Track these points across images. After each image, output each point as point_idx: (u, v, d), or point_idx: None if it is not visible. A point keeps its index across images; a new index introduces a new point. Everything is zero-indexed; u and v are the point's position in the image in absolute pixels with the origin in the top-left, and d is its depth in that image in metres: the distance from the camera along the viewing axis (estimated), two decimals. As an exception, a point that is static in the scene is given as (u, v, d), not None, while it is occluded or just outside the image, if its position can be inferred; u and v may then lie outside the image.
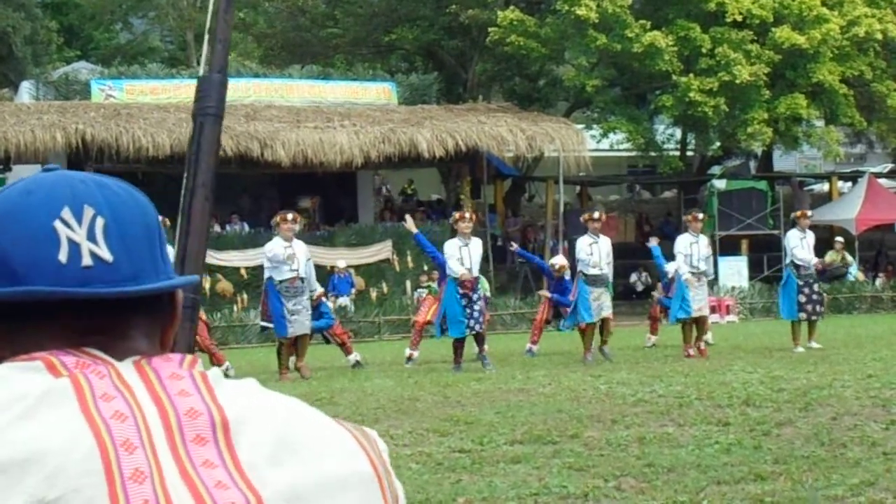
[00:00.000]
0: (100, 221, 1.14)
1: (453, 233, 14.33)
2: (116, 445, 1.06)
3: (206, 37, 1.66)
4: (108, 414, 1.08)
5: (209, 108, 1.66)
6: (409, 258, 25.53)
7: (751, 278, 27.64)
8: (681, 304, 14.98)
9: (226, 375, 1.17)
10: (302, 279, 13.57)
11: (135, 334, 1.17)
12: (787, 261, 16.14)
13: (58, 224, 1.13)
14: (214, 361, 14.89)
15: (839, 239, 28.17)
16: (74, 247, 1.13)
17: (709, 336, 16.36)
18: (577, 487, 6.19)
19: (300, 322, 13.54)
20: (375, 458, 1.19)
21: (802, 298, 15.30)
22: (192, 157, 1.65)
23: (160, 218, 1.22)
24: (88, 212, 1.14)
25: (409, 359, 15.41)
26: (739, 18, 26.56)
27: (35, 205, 1.14)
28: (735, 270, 27.15)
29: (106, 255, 1.13)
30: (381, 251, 25.51)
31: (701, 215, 15.86)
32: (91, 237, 1.13)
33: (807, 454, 6.92)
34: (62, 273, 1.12)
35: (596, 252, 14.80)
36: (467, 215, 14.53)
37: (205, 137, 1.66)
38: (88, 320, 1.14)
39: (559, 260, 17.39)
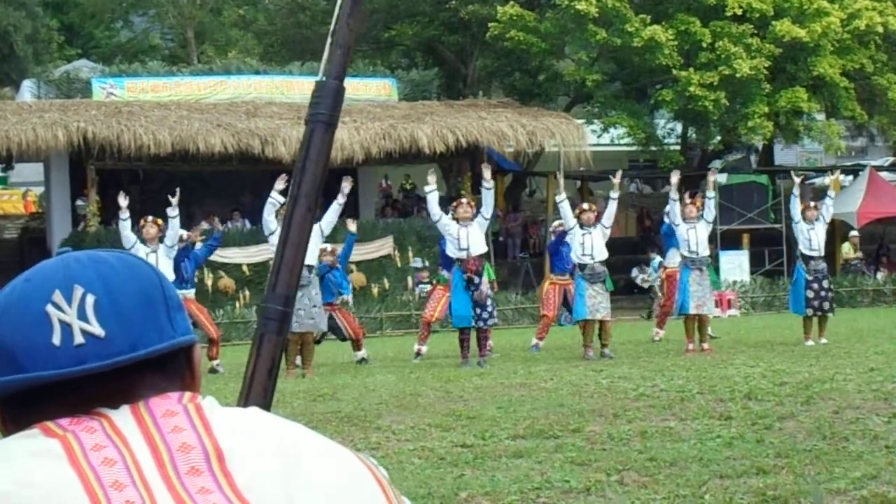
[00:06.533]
0: (90, 299, 1.18)
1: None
2: (105, 486, 1.11)
3: (329, 40, 1.62)
4: (98, 462, 1.12)
5: (321, 114, 1.61)
6: (410, 254, 25.55)
7: (752, 272, 27.62)
8: (682, 300, 14.90)
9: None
10: (309, 268, 13.35)
11: (147, 394, 1.20)
12: (797, 253, 15.90)
13: (49, 308, 1.17)
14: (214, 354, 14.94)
15: (854, 233, 28.19)
16: (66, 328, 1.17)
17: (709, 329, 16.28)
18: (580, 482, 6.20)
19: (299, 317, 13.30)
20: (381, 477, 1.21)
21: (810, 294, 15.05)
22: (300, 164, 1.60)
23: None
24: (78, 291, 1.18)
25: (418, 354, 15.35)
26: (739, 12, 26.55)
27: (30, 292, 1.19)
28: (736, 265, 27.15)
29: (97, 330, 1.17)
30: (382, 247, 25.52)
31: (700, 202, 15.62)
32: (81, 315, 1.17)
33: (809, 448, 6.92)
34: (56, 355, 1.16)
35: (588, 243, 14.64)
36: (464, 201, 14.52)
37: (314, 145, 1.60)
38: (91, 392, 1.18)
39: (557, 222, 16.82)
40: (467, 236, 13.88)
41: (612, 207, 14.87)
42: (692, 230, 14.88)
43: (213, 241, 15.97)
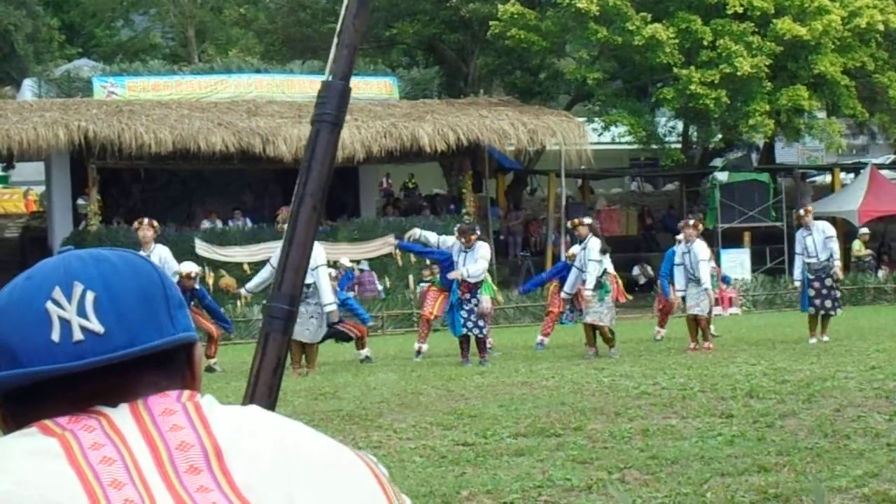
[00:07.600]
0: (90, 296, 1.18)
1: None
2: (104, 485, 1.11)
3: (335, 40, 1.63)
4: (96, 461, 1.12)
5: (326, 114, 1.62)
6: (411, 253, 25.53)
7: (753, 271, 27.63)
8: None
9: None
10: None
11: (146, 392, 1.20)
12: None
13: (49, 305, 1.18)
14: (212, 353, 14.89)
15: (864, 230, 28.19)
16: (65, 324, 1.17)
17: (712, 327, 16.32)
18: (581, 480, 6.20)
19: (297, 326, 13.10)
20: (381, 476, 1.21)
21: (812, 292, 15.30)
22: (305, 164, 1.61)
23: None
24: (78, 288, 1.18)
25: (419, 352, 15.38)
26: (740, 10, 26.53)
27: (31, 289, 1.20)
28: (737, 263, 27.15)
29: (97, 327, 1.17)
30: (383, 246, 25.52)
31: (700, 224, 15.70)
32: (81, 312, 1.18)
33: (810, 446, 6.92)
34: (55, 351, 1.16)
35: (581, 254, 15.04)
36: (463, 239, 14.26)
37: (319, 145, 1.62)
38: (89, 388, 1.19)
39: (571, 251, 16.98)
40: (464, 261, 14.11)
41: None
42: (686, 255, 15.30)
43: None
